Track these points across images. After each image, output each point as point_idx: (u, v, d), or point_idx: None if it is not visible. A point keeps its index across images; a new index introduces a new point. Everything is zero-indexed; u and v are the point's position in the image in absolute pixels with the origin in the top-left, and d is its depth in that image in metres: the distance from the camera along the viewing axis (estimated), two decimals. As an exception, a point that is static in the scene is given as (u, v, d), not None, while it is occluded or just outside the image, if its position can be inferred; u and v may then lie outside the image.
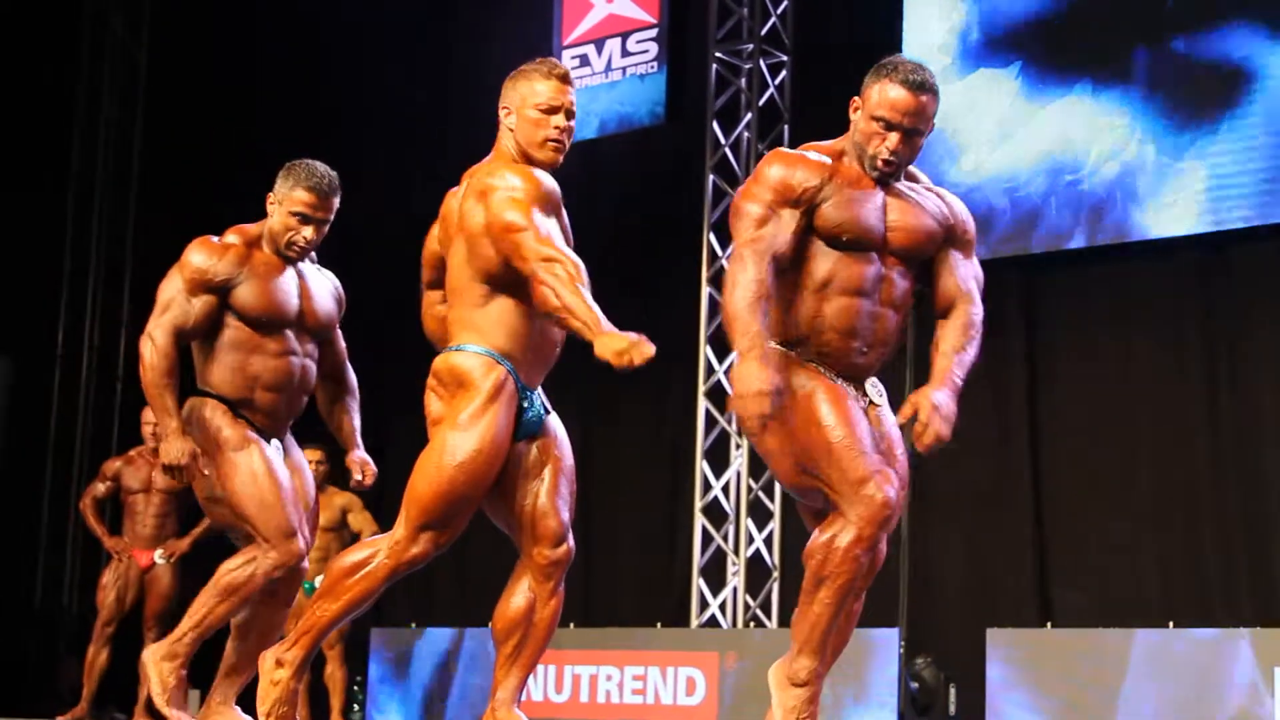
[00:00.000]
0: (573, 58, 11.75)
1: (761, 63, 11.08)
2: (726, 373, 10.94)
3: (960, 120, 10.18)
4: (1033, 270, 10.15)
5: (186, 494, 10.54)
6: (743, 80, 11.21)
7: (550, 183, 4.83)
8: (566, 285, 4.55)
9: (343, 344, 6.09)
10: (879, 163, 4.65)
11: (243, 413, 5.72)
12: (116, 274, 13.90)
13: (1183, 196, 9.40)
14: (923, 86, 4.62)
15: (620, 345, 4.40)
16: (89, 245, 13.91)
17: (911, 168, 4.83)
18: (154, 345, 5.65)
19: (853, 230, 4.63)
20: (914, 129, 4.64)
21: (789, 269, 4.61)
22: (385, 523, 10.48)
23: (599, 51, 11.70)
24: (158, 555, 10.38)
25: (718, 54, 11.21)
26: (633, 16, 11.60)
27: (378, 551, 4.81)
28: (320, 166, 5.78)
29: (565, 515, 4.94)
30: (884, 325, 4.72)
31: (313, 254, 5.96)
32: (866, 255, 4.66)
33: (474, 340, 4.86)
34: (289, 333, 5.80)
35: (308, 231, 5.75)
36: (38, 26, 13.91)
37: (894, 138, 4.62)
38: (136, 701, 10.46)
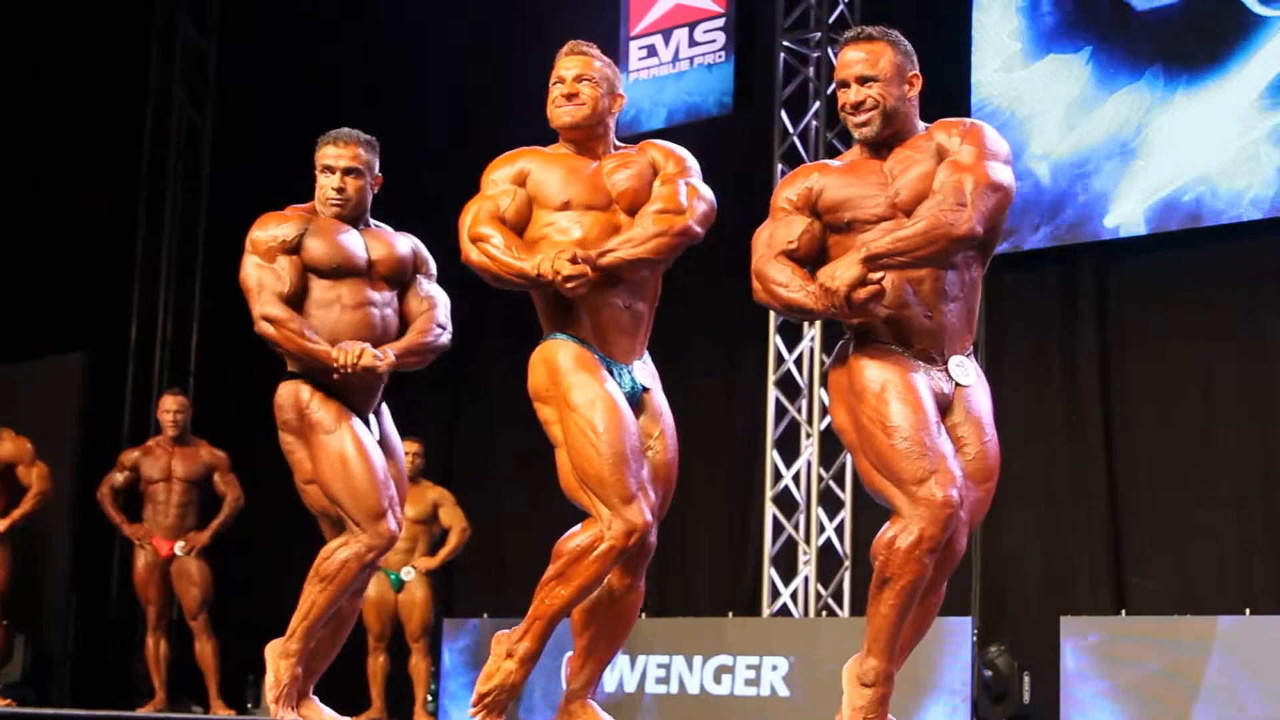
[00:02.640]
0: (640, 48, 11.74)
1: (829, 51, 11.03)
2: (796, 362, 10.92)
3: (1030, 105, 10.12)
4: (1104, 256, 10.08)
5: (206, 483, 10.66)
6: (811, 69, 11.18)
7: (504, 166, 5.13)
8: (489, 261, 4.94)
9: (431, 293, 6.03)
10: (850, 121, 4.80)
11: (332, 386, 5.74)
12: (188, 269, 14.02)
13: (1257, 180, 9.31)
14: (859, 37, 4.82)
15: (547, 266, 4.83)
16: (161, 241, 14.03)
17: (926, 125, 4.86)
18: (270, 319, 5.75)
19: (849, 206, 4.75)
20: (864, 76, 4.76)
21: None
22: (470, 516, 10.59)
23: (666, 42, 11.68)
24: (178, 548, 10.44)
25: (785, 43, 11.18)
26: (700, 6, 11.58)
27: (601, 535, 4.78)
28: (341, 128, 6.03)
29: (653, 510, 4.94)
30: (932, 285, 4.70)
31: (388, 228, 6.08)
32: (878, 229, 4.69)
33: (546, 329, 5.05)
34: (363, 283, 5.88)
35: (333, 180, 5.92)
36: (108, 26, 14.03)
37: (850, 91, 4.78)
38: (209, 693, 10.57)
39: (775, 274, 4.71)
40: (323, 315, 5.80)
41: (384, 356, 5.69)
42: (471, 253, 4.97)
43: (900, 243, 4.52)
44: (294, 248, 5.84)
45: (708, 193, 5.08)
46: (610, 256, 4.88)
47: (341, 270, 5.84)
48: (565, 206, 5.01)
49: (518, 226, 5.01)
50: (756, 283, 4.77)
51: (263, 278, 5.81)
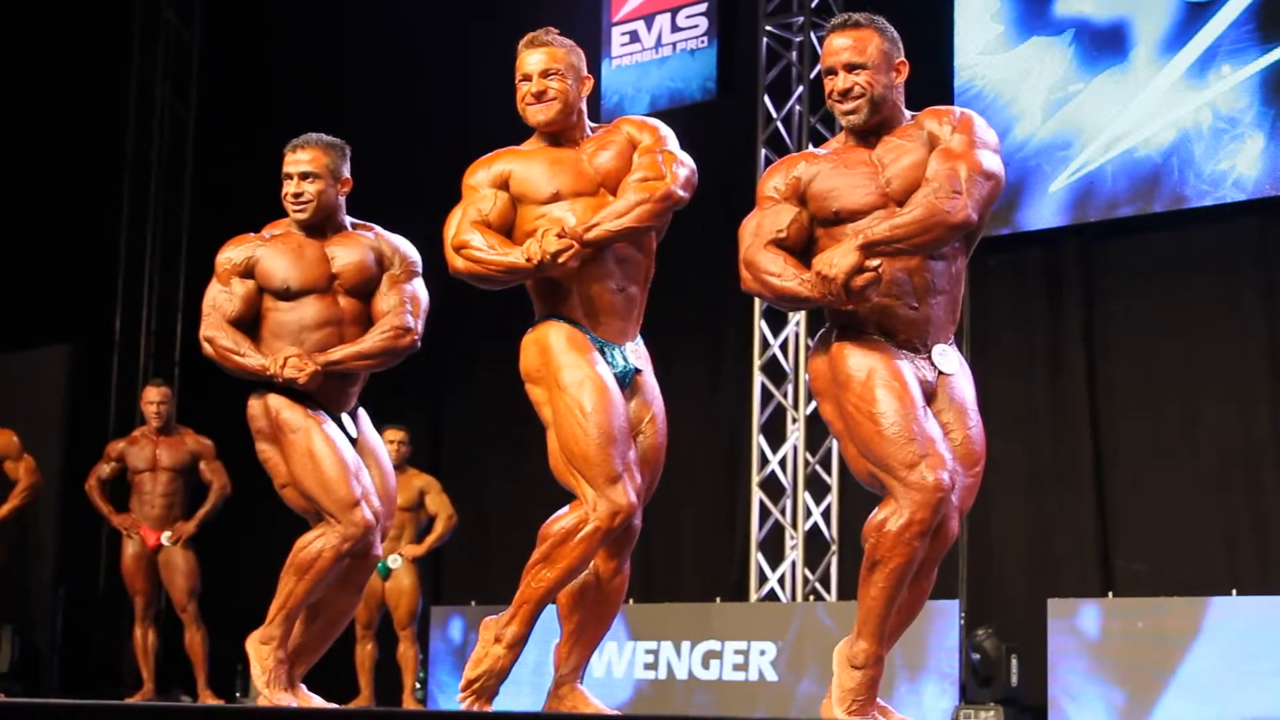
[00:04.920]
0: (623, 34, 11.73)
1: (812, 35, 11.03)
2: (781, 347, 10.93)
3: (1014, 89, 10.12)
4: (1090, 239, 10.08)
5: (192, 473, 10.66)
6: (794, 53, 11.17)
7: (482, 170, 5.10)
8: (476, 264, 4.94)
9: (402, 293, 5.86)
10: (838, 108, 4.80)
11: (297, 391, 5.73)
12: (172, 260, 13.98)
13: (1241, 161, 9.32)
14: (846, 24, 4.81)
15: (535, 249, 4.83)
16: (144, 232, 13.99)
17: (913, 113, 4.85)
18: (208, 340, 5.80)
19: (837, 196, 4.74)
20: (852, 63, 4.76)
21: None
22: (457, 504, 10.58)
23: (649, 27, 11.67)
24: (165, 538, 10.44)
25: (768, 27, 11.17)
26: (682, -9, 11.57)
27: (586, 516, 4.78)
28: (306, 134, 6.01)
29: (639, 492, 4.94)
30: (921, 275, 4.71)
31: (377, 229, 6.02)
32: (871, 217, 4.68)
33: (539, 312, 5.05)
34: (326, 300, 5.83)
35: (290, 186, 5.89)
36: (91, 14, 13.99)
37: (839, 78, 4.76)
38: (197, 682, 10.56)
39: (767, 263, 4.69)
40: (289, 338, 5.77)
41: (303, 367, 5.66)
42: (457, 262, 4.97)
43: (897, 230, 4.52)
44: (246, 271, 5.83)
45: (686, 158, 5.06)
46: (597, 230, 4.88)
47: (292, 292, 5.80)
48: (555, 198, 5.00)
49: (502, 228, 5.00)
50: (746, 272, 4.75)
51: (216, 299, 5.83)
